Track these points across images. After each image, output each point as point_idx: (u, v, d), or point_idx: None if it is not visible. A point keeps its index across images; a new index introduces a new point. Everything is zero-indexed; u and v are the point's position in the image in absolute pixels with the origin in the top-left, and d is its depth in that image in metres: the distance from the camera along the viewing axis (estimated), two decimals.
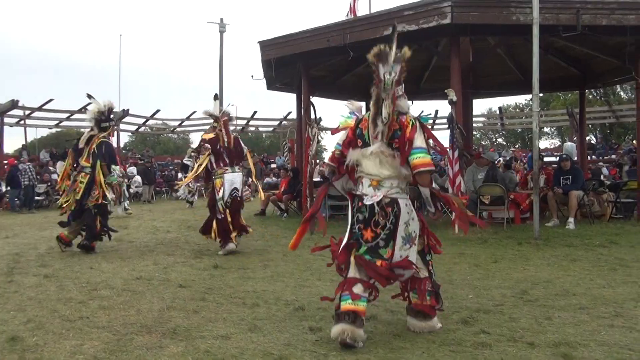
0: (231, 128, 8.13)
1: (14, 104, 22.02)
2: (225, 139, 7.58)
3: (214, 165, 7.56)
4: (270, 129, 32.33)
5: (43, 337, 3.81)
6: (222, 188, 7.45)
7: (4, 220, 12.96)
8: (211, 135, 7.60)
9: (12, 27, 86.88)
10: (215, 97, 8.12)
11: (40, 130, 36.26)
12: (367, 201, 3.66)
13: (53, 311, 4.48)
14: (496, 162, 11.13)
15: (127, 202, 13.73)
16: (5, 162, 20.49)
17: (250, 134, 44.73)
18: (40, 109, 23.94)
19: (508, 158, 23.71)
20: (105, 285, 5.44)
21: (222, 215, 7.40)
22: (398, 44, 3.70)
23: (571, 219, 9.30)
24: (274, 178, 21.23)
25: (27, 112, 23.81)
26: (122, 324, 4.12)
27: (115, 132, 27.51)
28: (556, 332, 3.82)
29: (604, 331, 3.80)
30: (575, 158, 13.24)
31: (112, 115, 8.17)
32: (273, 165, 25.92)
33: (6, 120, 22.80)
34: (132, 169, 20.89)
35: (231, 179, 7.52)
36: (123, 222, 11.34)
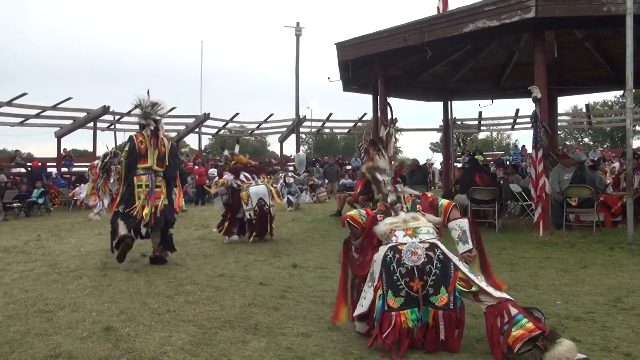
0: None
1: (105, 110, 23.50)
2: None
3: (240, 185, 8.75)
4: (346, 130, 32.40)
5: (134, 328, 4.02)
6: (250, 199, 8.48)
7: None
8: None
9: (103, 37, 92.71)
10: (238, 141, 10.04)
11: (128, 134, 38.22)
12: (408, 256, 3.54)
13: (143, 304, 4.72)
14: (584, 161, 10.52)
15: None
16: None
17: (325, 135, 45.12)
18: (129, 114, 25.30)
19: (596, 159, 22.45)
20: (190, 281, 5.66)
21: (247, 219, 8.50)
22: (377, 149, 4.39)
23: None
24: (349, 179, 21.25)
25: (117, 117, 25.28)
26: (206, 318, 4.27)
27: (198, 136, 28.71)
28: None
29: None
30: None
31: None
32: (348, 167, 25.94)
33: (98, 125, 24.31)
34: (213, 171, 21.63)
35: (256, 192, 8.53)
36: (205, 221, 11.76)
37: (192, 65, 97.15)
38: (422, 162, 24.03)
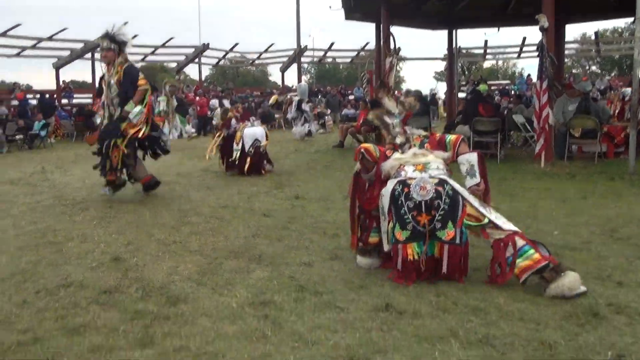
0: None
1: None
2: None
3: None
4: (348, 60, 31.77)
5: (142, 258, 4.15)
6: (242, 140, 8.49)
7: None
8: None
9: None
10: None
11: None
12: (417, 191, 3.53)
13: (149, 235, 4.85)
14: (590, 92, 10.38)
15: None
16: None
17: (327, 65, 44.35)
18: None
19: (602, 87, 22.09)
20: (194, 212, 5.77)
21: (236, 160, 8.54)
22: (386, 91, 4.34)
23: None
24: (352, 110, 21.08)
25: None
26: (211, 248, 4.39)
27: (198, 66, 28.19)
28: None
29: None
30: None
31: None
32: (351, 97, 25.66)
33: (97, 56, 23.84)
34: (214, 102, 21.44)
35: (251, 133, 8.56)
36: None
37: None
38: (426, 91, 23.82)
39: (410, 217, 3.51)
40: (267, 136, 8.89)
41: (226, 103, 9.01)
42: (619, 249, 4.22)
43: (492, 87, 26.21)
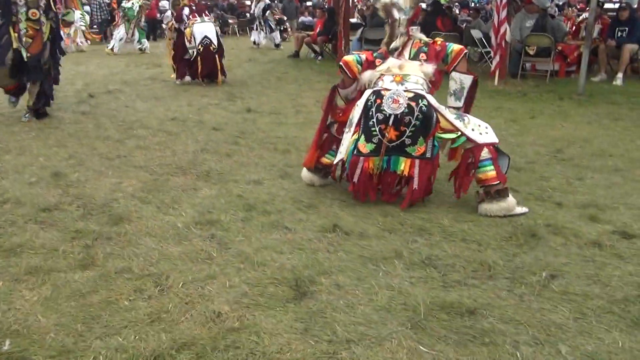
0: None
1: None
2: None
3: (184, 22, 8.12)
4: None
5: (84, 174, 4.00)
6: (193, 37, 7.94)
7: None
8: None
9: None
10: None
11: None
12: (389, 103, 3.37)
13: (92, 149, 4.65)
14: (547, 9, 10.24)
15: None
16: None
17: None
18: None
19: (561, 3, 21.94)
20: (140, 124, 5.56)
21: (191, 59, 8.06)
22: None
23: (620, 75, 8.77)
24: (309, 17, 20.32)
25: None
26: (158, 164, 4.27)
27: None
28: (586, 193, 3.80)
29: (635, 194, 3.76)
30: (636, 6, 12.14)
31: None
32: (309, 3, 24.65)
33: None
34: (165, 3, 20.16)
35: (201, 29, 8.00)
36: (157, 59, 11.24)
37: None
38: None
39: (377, 129, 3.39)
40: (218, 36, 8.27)
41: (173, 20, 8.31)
42: (561, 169, 4.34)
43: None
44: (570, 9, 16.94)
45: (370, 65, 3.69)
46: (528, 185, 3.91)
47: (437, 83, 3.66)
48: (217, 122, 5.72)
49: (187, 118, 5.91)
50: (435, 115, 3.39)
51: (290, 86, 8.28)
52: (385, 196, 3.54)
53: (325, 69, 10.21)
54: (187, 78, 8.23)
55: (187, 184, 3.82)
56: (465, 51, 3.67)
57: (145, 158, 4.42)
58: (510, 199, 3.38)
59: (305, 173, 3.88)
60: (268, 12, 14.60)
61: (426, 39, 3.79)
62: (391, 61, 3.63)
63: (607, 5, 14.67)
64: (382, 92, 3.43)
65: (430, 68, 3.57)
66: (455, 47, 3.66)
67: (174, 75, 8.30)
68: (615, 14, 10.10)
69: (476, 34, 10.41)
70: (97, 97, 6.96)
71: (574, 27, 11.59)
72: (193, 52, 7.96)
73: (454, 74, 3.64)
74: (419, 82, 3.50)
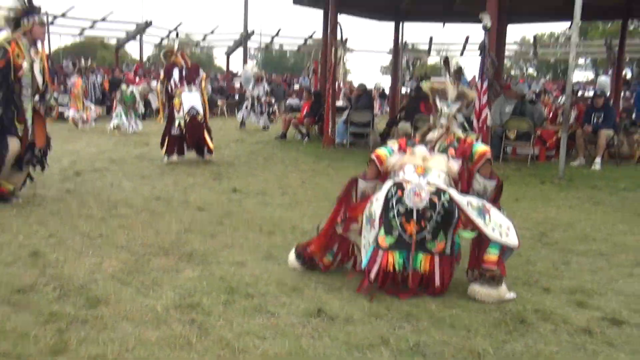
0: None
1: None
2: (183, 64, 8.33)
3: (172, 87, 8.24)
4: (295, 47, 31.51)
5: (64, 253, 3.89)
6: (182, 107, 8.04)
7: None
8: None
9: None
10: (177, 35, 8.52)
11: (65, 39, 36.07)
12: (411, 196, 3.27)
13: (74, 227, 4.57)
14: (526, 95, 10.70)
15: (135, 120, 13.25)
16: None
17: (274, 52, 43.86)
18: (63, 16, 23.54)
19: (537, 91, 22.96)
20: (125, 203, 5.51)
21: (178, 132, 8.13)
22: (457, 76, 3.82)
23: (598, 159, 9.05)
24: (296, 99, 20.93)
25: (50, 18, 23.47)
26: (140, 244, 4.19)
27: (139, 44, 27.03)
28: (573, 277, 3.79)
29: (622, 280, 3.76)
30: (609, 93, 12.73)
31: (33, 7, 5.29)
32: (296, 87, 25.49)
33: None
34: (156, 83, 20.70)
35: (189, 99, 8.09)
36: (146, 138, 11.36)
37: None
38: (370, 85, 23.94)
39: (398, 222, 3.28)
40: (205, 109, 8.36)
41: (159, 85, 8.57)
42: (546, 254, 4.34)
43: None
44: (547, 95, 17.67)
45: (401, 150, 3.63)
46: (515, 269, 3.88)
47: (461, 182, 3.56)
48: (203, 202, 5.70)
49: (172, 197, 5.89)
50: (457, 211, 3.31)
51: (277, 167, 8.36)
52: (406, 295, 3.31)
53: (311, 150, 10.38)
54: (174, 157, 8.25)
55: (168, 265, 3.74)
56: (488, 155, 3.55)
57: (127, 238, 4.34)
58: (502, 288, 3.31)
59: (292, 258, 3.77)
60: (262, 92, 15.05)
61: (460, 134, 3.72)
62: (419, 150, 3.57)
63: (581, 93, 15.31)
64: (404, 184, 3.34)
65: (456, 166, 3.52)
66: (480, 148, 3.58)
67: (164, 151, 8.28)
68: (590, 101, 10.57)
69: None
70: (83, 175, 6.94)
71: (551, 113, 12.04)
72: (180, 121, 8.03)
73: (477, 176, 3.56)
74: (441, 176, 3.41)
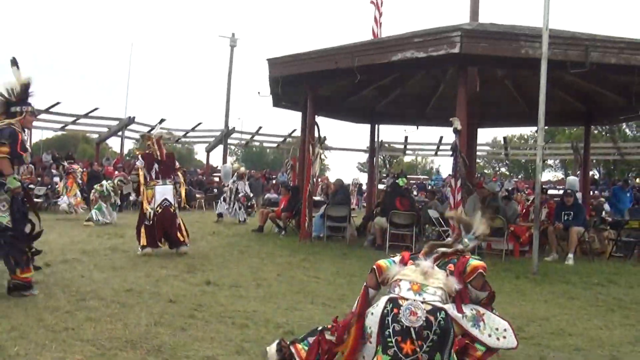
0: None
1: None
2: (158, 154, 8.50)
3: (147, 179, 8.40)
4: (275, 144, 32.34)
5: (25, 347, 3.73)
6: (154, 199, 8.22)
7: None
8: (146, 152, 8.57)
9: (21, 30, 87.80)
10: (160, 122, 8.80)
11: (46, 132, 36.57)
12: (406, 315, 3.16)
13: (39, 320, 4.40)
14: (498, 192, 11.05)
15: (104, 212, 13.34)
16: None
17: (254, 148, 44.89)
18: (47, 111, 24.02)
19: (510, 189, 23.68)
20: (94, 295, 5.36)
21: (151, 222, 8.18)
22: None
23: (571, 255, 9.21)
24: (274, 194, 21.16)
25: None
26: (107, 337, 4.04)
27: (120, 139, 27.45)
28: None
29: None
30: (578, 192, 13.18)
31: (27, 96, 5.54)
32: (274, 181, 25.89)
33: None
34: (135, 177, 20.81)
35: (162, 191, 8.30)
36: (120, 230, 11.26)
37: (119, 67, 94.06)
38: (348, 180, 24.45)
39: (394, 341, 3.13)
40: (179, 199, 8.55)
41: (139, 162, 8.72)
42: (522, 348, 4.27)
43: (411, 182, 27.44)
44: (519, 193, 18.23)
45: (403, 263, 3.57)
46: None
47: (460, 300, 3.41)
48: (175, 294, 5.57)
49: (143, 289, 5.75)
50: (452, 330, 3.18)
51: (253, 259, 8.29)
52: None
53: (288, 244, 10.36)
54: (149, 249, 8.13)
55: None
56: (480, 270, 3.41)
57: (94, 331, 4.18)
58: None
59: (273, 350, 3.60)
60: (243, 188, 15.25)
61: (461, 251, 3.65)
62: (420, 264, 3.48)
63: (550, 192, 15.85)
64: (400, 301, 3.23)
65: (456, 285, 3.38)
66: (473, 262, 3.47)
67: (141, 242, 8.17)
68: (560, 199, 10.92)
69: (433, 213, 10.95)
70: (53, 266, 6.78)
71: (524, 210, 12.35)
72: (151, 213, 8.12)
73: (470, 288, 3.45)
74: (437, 293, 3.31)
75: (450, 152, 9.39)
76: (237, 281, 6.48)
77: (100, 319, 4.53)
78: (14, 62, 5.42)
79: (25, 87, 5.46)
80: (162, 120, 26.97)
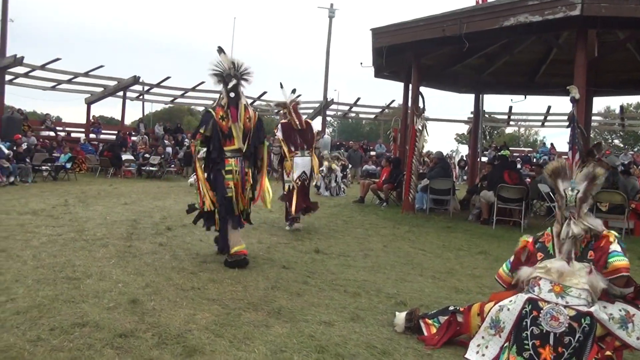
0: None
1: (135, 80, 23.83)
2: (297, 122, 7.96)
3: (287, 150, 7.96)
4: (372, 116, 32.16)
5: (160, 303, 4.07)
6: (293, 171, 7.87)
7: (122, 187, 13.98)
8: (284, 121, 8.07)
9: (137, 12, 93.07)
10: (281, 86, 8.20)
11: (155, 105, 38.81)
12: (547, 319, 3.03)
13: (168, 279, 4.77)
14: (618, 167, 10.29)
15: None
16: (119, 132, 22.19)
17: (350, 120, 44.89)
18: (158, 85, 25.53)
19: (626, 162, 21.93)
20: (213, 259, 5.70)
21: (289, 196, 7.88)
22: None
23: None
24: (372, 165, 21.14)
25: (147, 87, 25.55)
26: (230, 298, 4.30)
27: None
28: None
29: None
30: None
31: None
32: (372, 153, 25.81)
33: (128, 94, 24.64)
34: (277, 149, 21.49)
35: (302, 163, 7.90)
36: None
37: (223, 41, 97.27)
38: (446, 152, 23.84)
39: (530, 344, 3.00)
40: (312, 170, 8.05)
41: (279, 133, 8.37)
42: None
43: (514, 154, 26.23)
44: (636, 167, 16.88)
45: (530, 258, 3.41)
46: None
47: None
48: (287, 261, 5.79)
49: (257, 255, 6.04)
50: (592, 336, 2.97)
51: (357, 230, 8.39)
52: None
53: (390, 215, 10.37)
54: (297, 225, 8.01)
55: (258, 320, 3.80)
56: (623, 271, 3.11)
57: (217, 292, 4.47)
58: None
59: (399, 318, 3.75)
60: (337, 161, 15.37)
61: (597, 230, 3.27)
62: (554, 262, 3.23)
63: None
64: (540, 304, 3.08)
65: (600, 283, 3.10)
66: (616, 262, 3.13)
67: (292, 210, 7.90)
68: None
69: (543, 187, 10.43)
70: (174, 230, 7.28)
71: None
72: (290, 186, 7.91)
73: (611, 284, 3.16)
74: (582, 296, 3.06)
75: (561, 122, 8.84)
76: (345, 251, 6.61)
77: (222, 280, 4.83)
78: (221, 50, 5.59)
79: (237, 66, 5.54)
80: (263, 93, 27.60)
